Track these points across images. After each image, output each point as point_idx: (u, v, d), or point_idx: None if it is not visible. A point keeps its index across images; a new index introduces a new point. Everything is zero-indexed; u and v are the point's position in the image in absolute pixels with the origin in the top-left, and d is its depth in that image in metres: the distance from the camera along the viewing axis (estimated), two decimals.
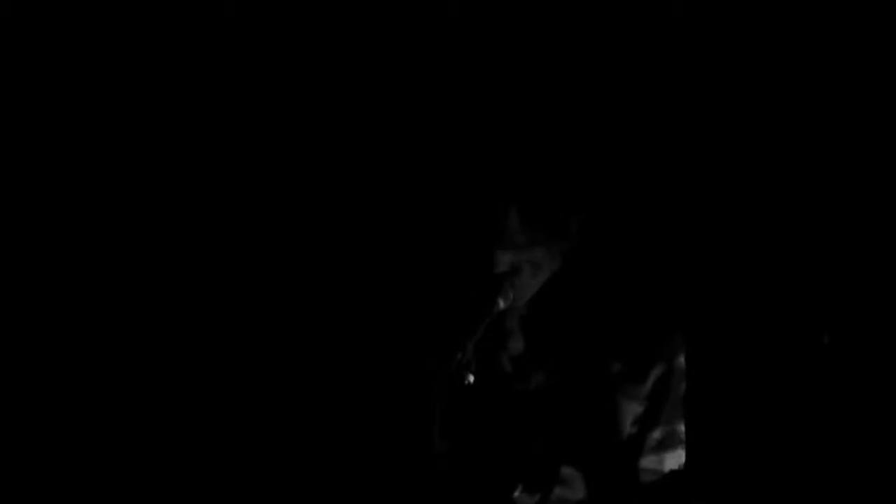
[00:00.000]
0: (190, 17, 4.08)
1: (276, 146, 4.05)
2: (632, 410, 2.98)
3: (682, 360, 2.98)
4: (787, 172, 3.59)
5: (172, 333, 4.06)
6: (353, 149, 3.98)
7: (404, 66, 3.89)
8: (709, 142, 3.62)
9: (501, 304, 2.91)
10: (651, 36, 3.67)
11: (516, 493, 3.02)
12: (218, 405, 4.02)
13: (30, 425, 4.10)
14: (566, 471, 3.00)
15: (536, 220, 2.89)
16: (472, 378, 2.81)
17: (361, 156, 3.97)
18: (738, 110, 3.63)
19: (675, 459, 2.98)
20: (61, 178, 4.12)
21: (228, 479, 3.99)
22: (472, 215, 2.94)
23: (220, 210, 4.07)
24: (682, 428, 2.99)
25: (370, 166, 3.96)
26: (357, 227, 3.97)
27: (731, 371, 3.47)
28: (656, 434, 2.98)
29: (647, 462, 2.99)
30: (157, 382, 4.07)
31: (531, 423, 3.02)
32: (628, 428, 2.98)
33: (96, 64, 4.09)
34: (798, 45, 3.68)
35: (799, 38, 3.68)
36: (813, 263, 3.55)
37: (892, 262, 3.51)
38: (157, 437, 4.06)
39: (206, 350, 4.03)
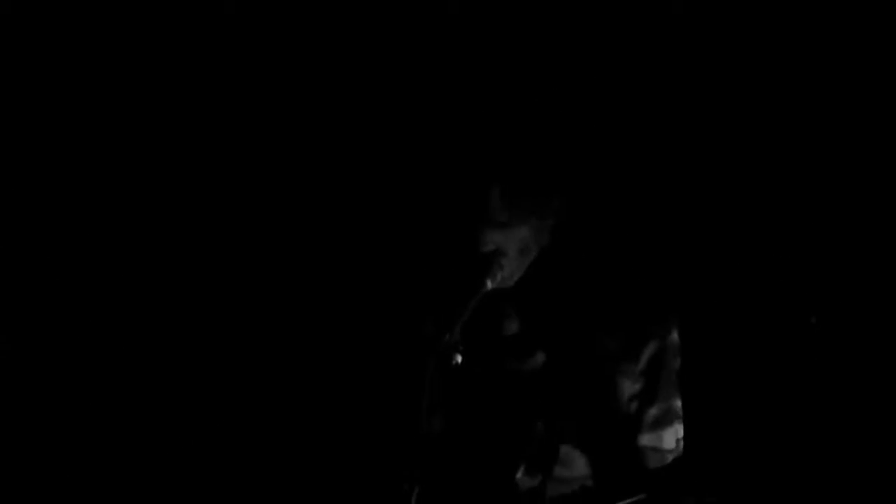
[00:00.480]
0: (190, 17, 4.09)
1: (273, 143, 4.05)
2: (628, 388, 2.97)
3: (675, 335, 2.97)
4: (776, 153, 3.59)
5: (168, 333, 4.06)
6: (331, 135, 3.98)
7: (387, 49, 3.89)
8: (698, 121, 3.62)
9: (489, 284, 2.88)
10: (637, 22, 3.68)
11: (518, 476, 3.01)
12: (210, 395, 4.01)
13: (30, 425, 4.09)
14: (565, 450, 2.99)
15: (519, 197, 2.88)
16: (460, 359, 2.78)
17: (341, 141, 3.97)
18: (729, 91, 3.64)
19: (673, 435, 2.97)
20: (61, 178, 4.12)
21: (221, 471, 3.98)
22: (455, 195, 2.91)
23: (211, 207, 4.07)
24: (678, 404, 2.98)
25: (351, 151, 3.96)
26: (339, 211, 3.96)
27: (724, 345, 3.46)
28: (653, 411, 2.97)
29: (646, 440, 2.97)
30: (156, 382, 4.06)
31: (529, 404, 3.00)
32: (625, 406, 2.97)
33: (96, 64, 4.10)
34: (798, 45, 3.69)
35: (799, 38, 3.69)
36: (803, 244, 3.55)
37: (880, 250, 3.51)
38: (156, 437, 4.05)
39: (191, 334, 4.03)
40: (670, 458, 2.94)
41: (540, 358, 2.99)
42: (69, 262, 4.12)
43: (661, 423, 2.97)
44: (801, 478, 3.19)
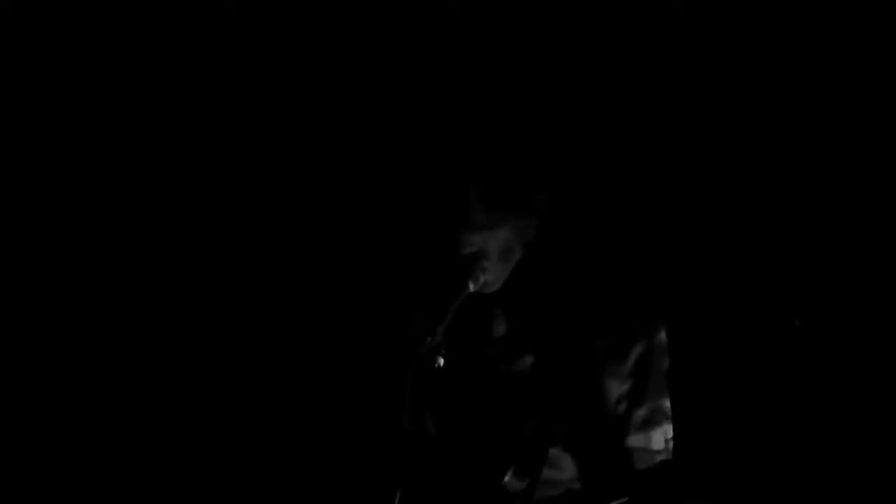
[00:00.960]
0: (190, 17, 4.09)
1: (272, 145, 4.05)
2: (616, 389, 2.95)
3: (662, 335, 2.94)
4: (761, 155, 3.57)
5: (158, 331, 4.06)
6: (314, 138, 3.98)
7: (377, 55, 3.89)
8: (681, 120, 3.60)
9: (471, 287, 2.87)
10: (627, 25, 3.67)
11: (506, 478, 2.99)
12: (194, 397, 4.01)
13: (29, 425, 4.09)
14: (553, 452, 2.97)
15: (497, 199, 2.87)
16: (442, 361, 2.76)
17: (322, 145, 3.97)
18: (712, 88, 3.62)
19: (661, 436, 2.95)
20: (61, 178, 4.13)
21: (208, 471, 3.98)
22: (434, 198, 2.90)
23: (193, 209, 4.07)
24: (667, 404, 2.96)
25: (331, 154, 3.96)
26: (320, 216, 3.96)
27: (712, 345, 3.44)
28: (642, 412, 2.95)
29: (635, 440, 2.95)
30: (152, 382, 4.06)
31: (518, 406, 2.99)
32: (613, 407, 2.95)
33: (96, 64, 4.10)
34: (797, 45, 3.66)
35: (798, 38, 3.66)
36: (789, 246, 3.53)
37: (866, 253, 3.50)
38: (154, 436, 4.05)
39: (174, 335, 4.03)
40: (659, 458, 2.92)
41: (527, 359, 2.97)
42: (69, 263, 4.13)
43: (650, 423, 2.95)
44: (790, 479, 3.16)
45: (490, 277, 2.90)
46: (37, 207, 4.13)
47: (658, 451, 2.94)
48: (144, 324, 4.06)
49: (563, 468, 2.97)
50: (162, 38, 4.11)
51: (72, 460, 4.09)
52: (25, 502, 4.07)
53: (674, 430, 2.96)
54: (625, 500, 2.82)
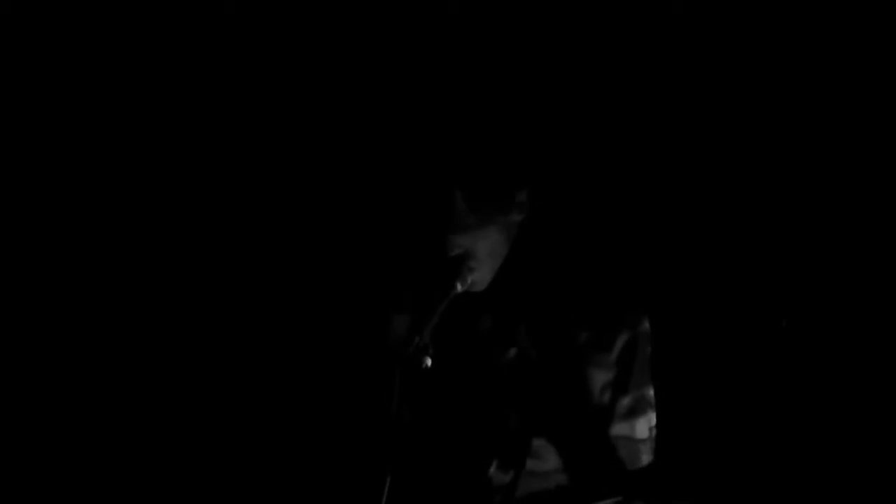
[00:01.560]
0: (190, 17, 4.10)
1: (263, 146, 4.06)
2: (600, 378, 2.94)
3: (647, 324, 2.93)
4: (749, 151, 3.56)
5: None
6: (304, 141, 3.99)
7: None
8: (665, 116, 3.59)
9: (459, 287, 2.87)
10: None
11: (491, 471, 2.97)
12: (188, 396, 4.01)
13: (29, 425, 4.10)
14: (537, 443, 2.96)
15: (482, 199, 2.87)
16: (429, 362, 2.77)
17: (311, 148, 3.98)
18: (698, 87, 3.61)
19: (646, 424, 2.93)
20: (61, 178, 4.14)
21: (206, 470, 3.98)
22: (420, 201, 2.91)
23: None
24: (651, 392, 2.94)
25: (320, 157, 3.96)
26: (309, 218, 3.96)
27: (696, 333, 3.42)
28: (626, 400, 2.94)
29: (619, 429, 2.94)
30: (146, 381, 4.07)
31: (502, 397, 2.97)
32: (598, 396, 2.94)
33: (96, 64, 4.11)
34: (796, 45, 3.65)
35: (797, 38, 3.65)
36: (775, 238, 3.52)
37: (856, 253, 3.48)
38: (151, 436, 4.05)
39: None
40: (643, 447, 2.91)
41: (512, 350, 2.96)
42: (69, 262, 4.14)
43: (635, 412, 2.94)
44: (774, 475, 3.14)
45: (478, 276, 2.91)
46: (37, 207, 4.14)
47: (642, 440, 2.93)
48: (139, 323, 4.06)
49: (547, 459, 2.96)
50: (162, 38, 4.12)
51: (72, 460, 4.09)
52: (25, 502, 4.07)
53: (657, 419, 2.94)
54: (615, 499, 2.82)
